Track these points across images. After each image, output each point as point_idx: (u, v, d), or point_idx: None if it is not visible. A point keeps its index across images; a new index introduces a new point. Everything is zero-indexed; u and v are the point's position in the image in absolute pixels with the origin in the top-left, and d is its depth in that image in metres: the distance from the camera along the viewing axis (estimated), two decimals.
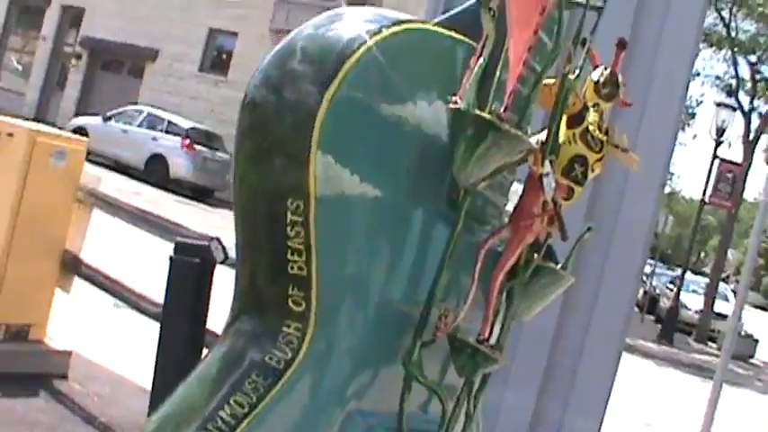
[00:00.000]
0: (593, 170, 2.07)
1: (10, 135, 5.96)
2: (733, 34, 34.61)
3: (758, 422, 14.69)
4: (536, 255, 1.99)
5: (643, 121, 3.52)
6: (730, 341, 6.85)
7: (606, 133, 2.08)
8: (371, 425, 1.80)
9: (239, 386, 1.65)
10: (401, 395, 1.77)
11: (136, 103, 31.61)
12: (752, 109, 32.33)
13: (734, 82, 34.37)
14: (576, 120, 2.05)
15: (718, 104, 29.59)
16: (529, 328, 3.34)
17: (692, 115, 43.54)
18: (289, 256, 1.66)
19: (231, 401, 1.63)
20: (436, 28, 1.91)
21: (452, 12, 1.97)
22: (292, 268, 1.66)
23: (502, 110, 1.68)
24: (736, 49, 34.55)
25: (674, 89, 3.68)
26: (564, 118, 2.03)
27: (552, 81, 1.99)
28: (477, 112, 1.65)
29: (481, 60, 1.67)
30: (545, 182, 1.86)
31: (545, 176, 1.86)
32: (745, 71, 34.36)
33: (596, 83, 2.07)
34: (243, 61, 33.74)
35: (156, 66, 36.61)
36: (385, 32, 1.75)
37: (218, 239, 2.34)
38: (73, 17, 39.99)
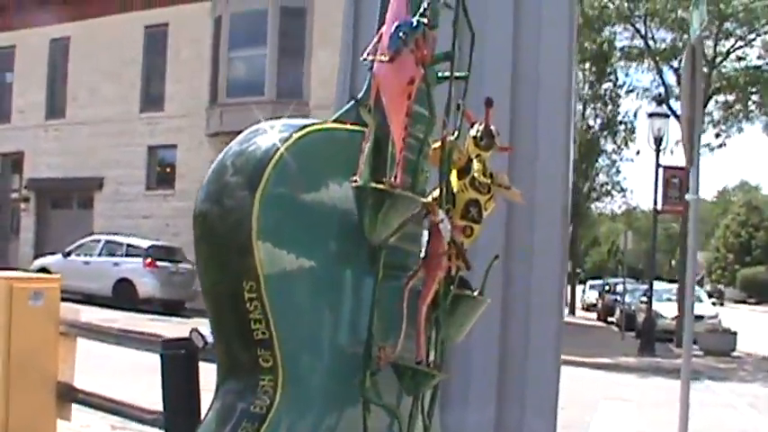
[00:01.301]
0: (486, 209, 2.55)
1: None
2: (652, 45, 35.64)
3: (744, 409, 15.07)
4: (452, 287, 2.46)
5: (539, 149, 4.07)
6: (687, 339, 7.25)
7: (491, 177, 2.56)
8: None
9: None
10: (363, 417, 2.22)
11: (92, 234, 31.90)
12: None
13: (662, 90, 35.30)
14: (465, 171, 2.53)
15: (651, 115, 30.32)
16: (477, 350, 3.84)
17: (632, 130, 44.53)
18: (252, 326, 2.11)
19: None
20: (333, 125, 2.39)
21: (341, 110, 2.45)
22: (257, 334, 2.12)
23: (394, 179, 2.15)
24: (657, 59, 35.53)
25: (558, 115, 4.22)
26: (454, 172, 2.51)
27: (438, 144, 2.47)
28: (373, 184, 2.12)
29: (368, 144, 2.15)
30: (441, 227, 2.34)
31: (441, 223, 2.34)
32: (670, 77, 35.32)
33: (474, 138, 2.54)
34: (187, 171, 34.20)
35: (103, 193, 36.97)
36: (294, 137, 2.21)
37: (196, 330, 2.78)
38: (13, 162, 40.30)
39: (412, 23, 2.12)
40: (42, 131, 38.85)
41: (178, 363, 2.85)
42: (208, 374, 3.02)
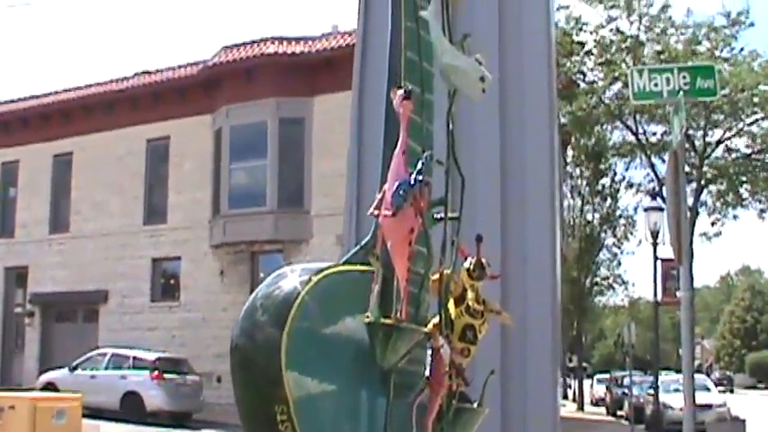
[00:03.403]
0: (480, 332, 2.92)
1: (12, 407, 6.72)
2: (643, 139, 36.42)
3: None
4: (453, 401, 2.83)
5: (527, 273, 4.48)
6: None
7: (484, 303, 2.94)
8: None
9: None
10: None
11: (97, 347, 32.04)
12: None
13: (655, 184, 35.95)
14: (460, 299, 2.91)
15: (646, 209, 30.81)
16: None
17: (633, 224, 45.12)
18: None
19: None
20: (345, 266, 2.78)
21: (350, 252, 2.83)
22: None
23: (399, 314, 2.54)
24: (649, 153, 36.28)
25: (544, 243, 4.63)
26: (451, 300, 2.89)
27: (437, 277, 2.86)
28: (382, 320, 2.51)
29: (377, 286, 2.54)
30: (442, 351, 2.72)
31: (442, 348, 2.72)
32: (663, 170, 35.98)
33: (468, 270, 2.92)
34: (191, 283, 34.58)
35: (108, 306, 37.21)
36: (313, 280, 2.60)
37: None
38: (18, 277, 40.61)
39: (410, 182, 2.51)
40: (46, 245, 39.27)
41: None
42: None
